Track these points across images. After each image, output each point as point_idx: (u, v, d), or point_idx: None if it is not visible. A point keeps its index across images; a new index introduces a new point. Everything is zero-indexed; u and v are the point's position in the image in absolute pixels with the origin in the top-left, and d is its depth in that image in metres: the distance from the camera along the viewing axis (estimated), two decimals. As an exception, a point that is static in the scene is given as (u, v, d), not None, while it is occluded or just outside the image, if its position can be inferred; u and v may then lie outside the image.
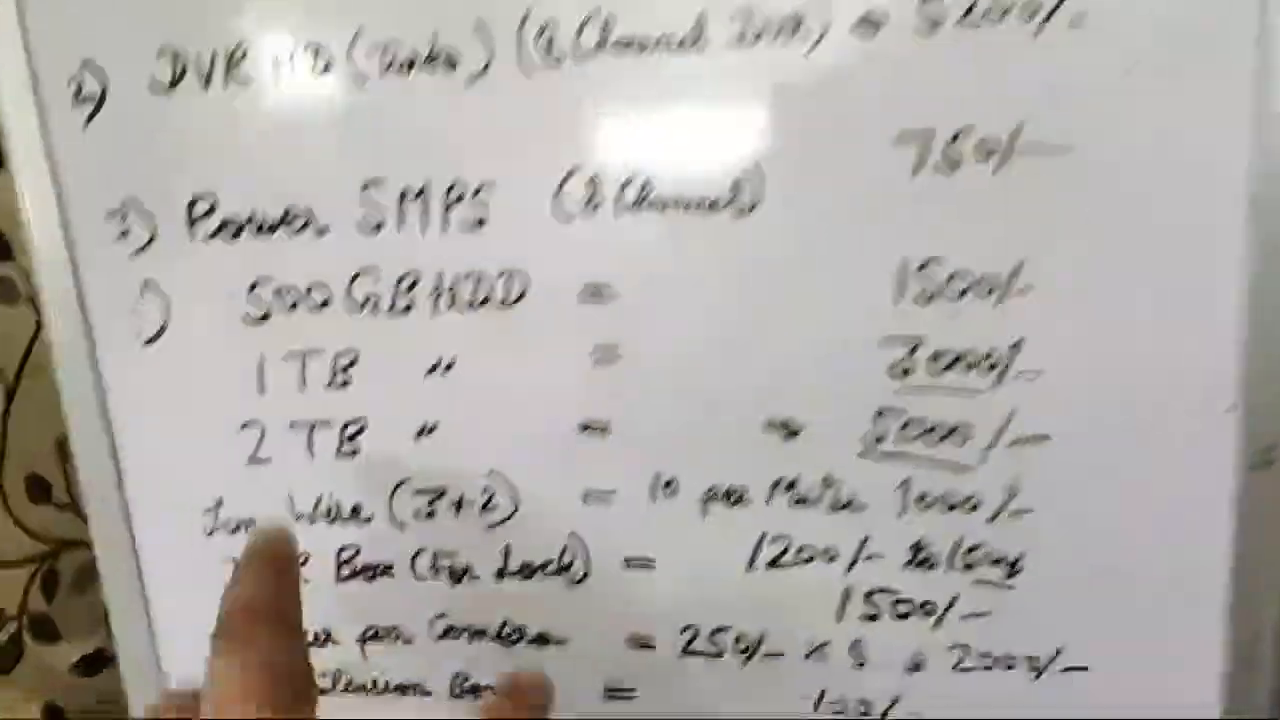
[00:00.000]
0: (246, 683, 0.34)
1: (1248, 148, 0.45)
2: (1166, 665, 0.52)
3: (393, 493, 0.56)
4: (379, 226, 0.51)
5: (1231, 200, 0.45)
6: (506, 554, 0.56)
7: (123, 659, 0.62)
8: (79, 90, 0.51)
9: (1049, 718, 0.53)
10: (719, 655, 0.56)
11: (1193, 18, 0.44)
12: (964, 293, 0.48)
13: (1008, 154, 0.46)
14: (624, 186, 0.49)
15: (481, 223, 0.51)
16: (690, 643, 0.56)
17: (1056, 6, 0.44)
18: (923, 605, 0.53)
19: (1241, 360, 0.47)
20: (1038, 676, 0.53)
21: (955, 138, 0.46)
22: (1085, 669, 0.53)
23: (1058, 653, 0.53)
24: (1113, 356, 0.48)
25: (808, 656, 0.55)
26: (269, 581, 0.39)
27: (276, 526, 0.42)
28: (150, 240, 0.53)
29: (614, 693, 0.57)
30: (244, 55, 0.50)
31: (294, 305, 0.53)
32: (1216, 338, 0.47)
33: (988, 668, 0.54)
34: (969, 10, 0.45)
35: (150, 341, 0.55)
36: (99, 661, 0.82)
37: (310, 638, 0.59)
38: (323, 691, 0.60)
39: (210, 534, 0.57)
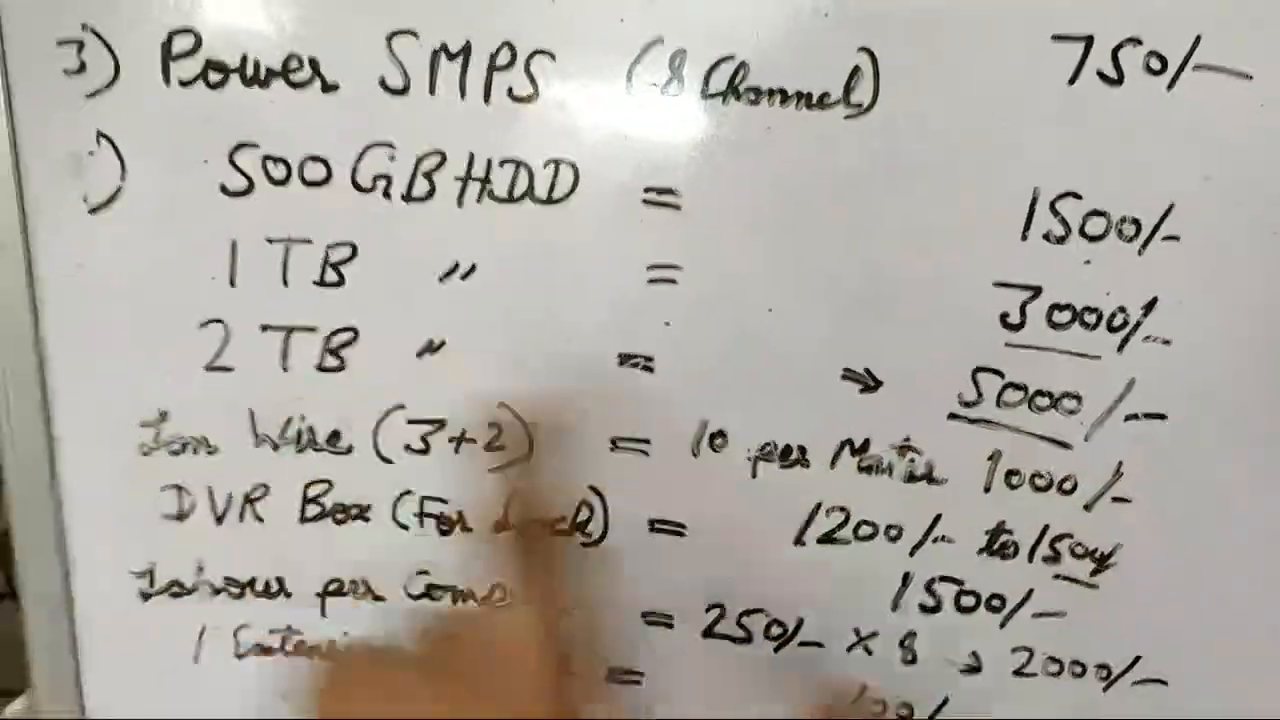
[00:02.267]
0: None
1: None
2: (1253, 689, 0.41)
3: (380, 421, 0.42)
4: (404, 89, 0.37)
5: None
6: (509, 505, 0.42)
7: (27, 602, 0.46)
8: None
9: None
10: (747, 640, 0.43)
11: None
12: (1100, 236, 0.37)
13: (1180, 70, 0.35)
14: (714, 67, 0.36)
15: (532, 97, 0.37)
16: (715, 624, 0.43)
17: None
18: (991, 600, 0.42)
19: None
20: (1108, 688, 0.42)
21: (1119, 47, 0.35)
22: (1164, 683, 0.42)
23: (1135, 662, 0.42)
24: (1257, 331, 0.37)
25: (851, 649, 0.43)
26: None
27: None
28: (111, 81, 0.38)
29: (618, 675, 0.44)
30: None
31: (284, 179, 0.39)
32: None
33: (1054, 674, 0.42)
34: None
35: (98, 209, 0.39)
36: None
37: (261, 588, 0.44)
38: (265, 651, 0.45)
39: (147, 453, 0.43)
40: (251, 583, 0.44)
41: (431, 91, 0.37)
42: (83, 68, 0.38)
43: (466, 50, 0.37)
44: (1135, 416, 0.39)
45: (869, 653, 0.43)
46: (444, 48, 0.37)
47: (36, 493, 0.43)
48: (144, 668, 0.46)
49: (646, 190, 0.38)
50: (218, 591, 0.45)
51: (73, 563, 0.44)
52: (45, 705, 0.47)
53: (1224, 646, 0.41)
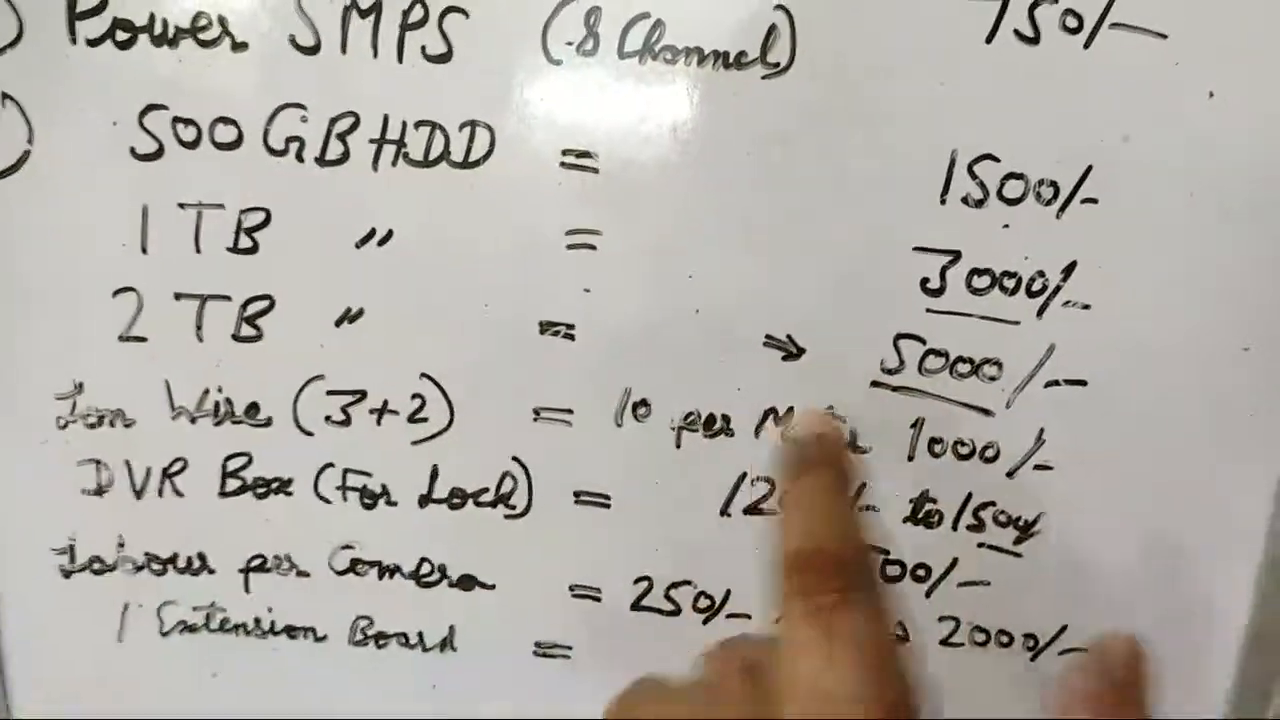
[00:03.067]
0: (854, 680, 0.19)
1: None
2: (1180, 657, 0.39)
3: (299, 392, 0.39)
4: (315, 48, 0.35)
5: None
6: (433, 477, 0.40)
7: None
8: None
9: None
10: (675, 613, 0.41)
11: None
12: (1018, 199, 0.35)
13: (1096, 29, 0.33)
14: (630, 26, 0.34)
15: (447, 56, 0.35)
16: (643, 597, 0.41)
17: None
18: (916, 569, 0.40)
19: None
20: (1035, 657, 0.40)
21: (1035, 4, 0.33)
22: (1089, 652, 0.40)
23: (1061, 631, 0.40)
24: (1179, 290, 0.35)
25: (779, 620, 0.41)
26: (843, 514, 0.23)
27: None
28: (16, 39, 0.35)
29: (544, 649, 0.42)
30: None
31: (195, 141, 0.36)
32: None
33: (981, 643, 0.40)
34: None
35: (5, 173, 0.37)
36: None
37: (183, 564, 0.42)
38: (191, 629, 0.43)
39: (64, 426, 0.40)
40: (174, 559, 0.42)
41: (344, 50, 0.35)
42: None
43: (378, 7, 0.34)
44: (1056, 383, 0.37)
45: (797, 624, 0.41)
46: (355, 4, 0.34)
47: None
48: (68, 648, 0.43)
49: (564, 153, 0.35)
50: (139, 568, 0.42)
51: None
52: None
53: (1149, 613, 0.39)
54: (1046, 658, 0.40)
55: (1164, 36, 0.33)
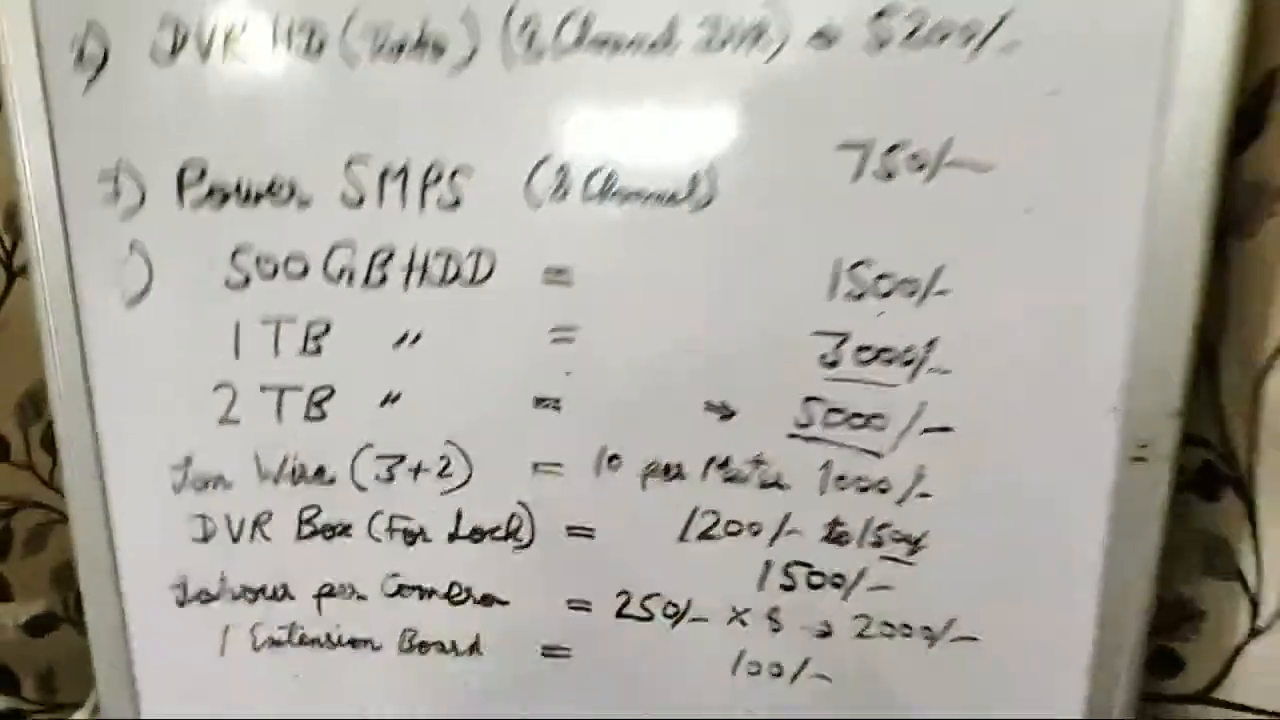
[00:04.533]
0: None
1: (1145, 181, 0.39)
2: (1047, 639, 0.45)
3: (355, 457, 0.47)
4: (360, 202, 0.43)
5: (1128, 226, 0.40)
6: (458, 519, 0.47)
7: (89, 613, 0.50)
8: (81, 53, 0.42)
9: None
10: (649, 619, 0.48)
11: (1108, 48, 0.38)
12: (889, 293, 0.42)
13: (937, 167, 0.40)
14: (590, 177, 0.42)
15: (456, 204, 0.42)
16: (624, 606, 0.48)
17: (992, 32, 0.38)
18: (834, 578, 0.46)
19: (1125, 369, 0.41)
20: (932, 645, 0.46)
21: (892, 149, 0.40)
22: (975, 639, 0.46)
23: (950, 624, 0.46)
24: (1014, 359, 0.42)
25: (730, 621, 0.47)
26: None
27: None
28: (140, 203, 0.44)
29: (551, 651, 0.49)
30: (244, 29, 0.41)
31: (273, 273, 0.44)
32: (1105, 349, 0.41)
33: (888, 635, 0.46)
34: (913, 32, 0.38)
35: (134, 303, 0.45)
36: (48, 623, 0.69)
37: (270, 593, 0.49)
38: (277, 644, 0.50)
39: (178, 491, 0.47)
40: (263, 589, 0.49)
41: (380, 203, 0.43)
42: (117, 195, 0.44)
43: (405, 170, 0.42)
44: (929, 430, 0.43)
45: (744, 624, 0.47)
46: (388, 169, 0.42)
47: (94, 530, 0.48)
48: (182, 662, 0.51)
49: (545, 271, 0.43)
50: (236, 597, 0.49)
51: (122, 580, 0.49)
52: (108, 709, 0.51)
53: (1018, 606, 0.45)
54: (940, 646, 0.46)
55: (988, 169, 0.40)
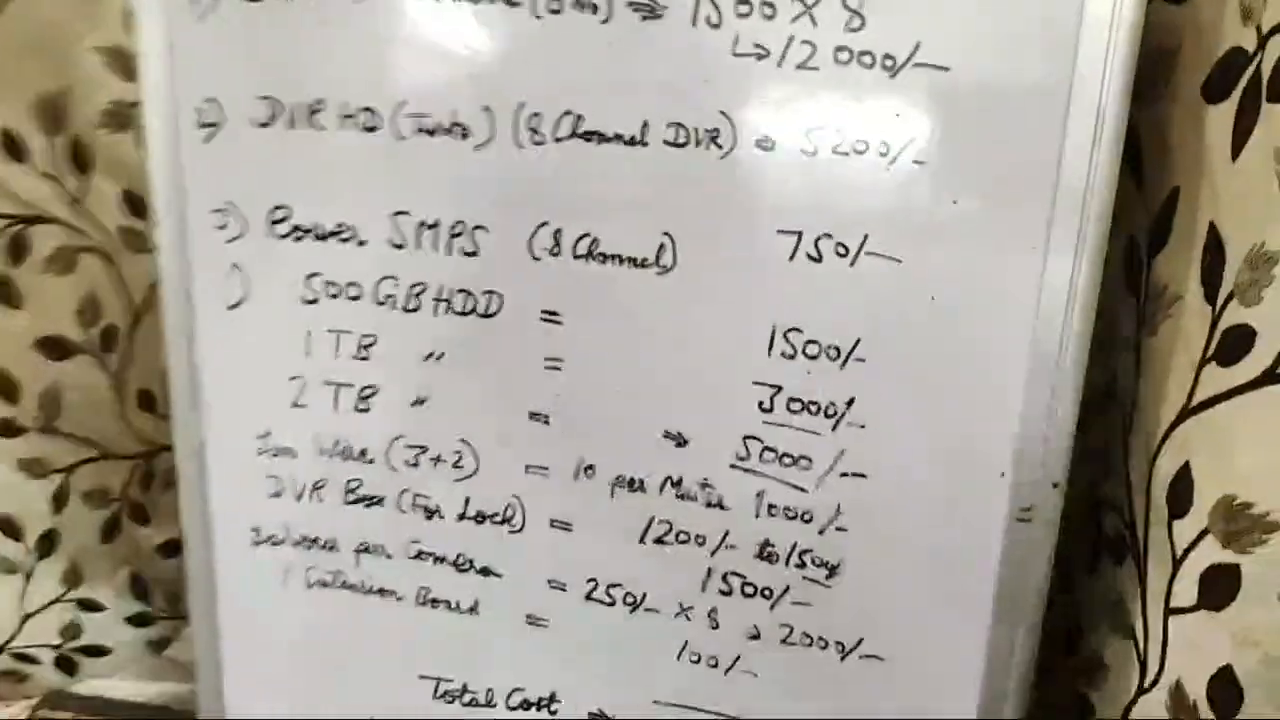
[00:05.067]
0: None
1: (1038, 275, 0.45)
2: (943, 668, 0.52)
3: (390, 444, 0.58)
4: (401, 246, 0.54)
5: (1019, 314, 0.46)
6: (466, 503, 0.58)
7: (186, 547, 0.64)
8: (201, 117, 0.54)
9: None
10: (612, 604, 0.57)
11: (1006, 166, 0.45)
12: (816, 356, 0.49)
13: (857, 255, 0.47)
14: (579, 240, 0.51)
15: (475, 253, 0.53)
16: (592, 591, 0.57)
17: (905, 147, 0.45)
18: (763, 590, 0.54)
19: (1015, 440, 0.47)
20: (843, 659, 0.54)
21: (819, 238, 0.48)
22: (880, 659, 0.53)
23: (859, 643, 0.53)
24: (919, 422, 0.49)
25: (676, 615, 0.56)
26: None
27: None
28: (241, 234, 0.56)
29: (532, 620, 0.59)
30: (321, 108, 0.52)
31: (336, 295, 0.56)
32: (999, 420, 0.48)
33: (807, 645, 0.54)
34: (839, 144, 0.46)
35: (233, 307, 0.57)
36: (177, 547, 0.85)
37: (320, 544, 0.61)
38: (324, 585, 0.62)
39: (259, 454, 0.60)
40: (315, 540, 0.61)
41: (418, 247, 0.54)
42: (224, 226, 0.56)
43: (437, 225, 0.53)
44: (846, 474, 0.50)
45: (688, 619, 0.56)
46: (423, 222, 0.53)
47: (194, 481, 0.62)
48: (250, 592, 0.63)
49: (542, 312, 0.53)
50: (295, 544, 0.61)
51: (212, 522, 0.62)
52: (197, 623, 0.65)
53: (920, 631, 0.52)
54: (849, 660, 0.53)
55: (899, 261, 0.47)
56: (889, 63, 0.44)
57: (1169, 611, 0.47)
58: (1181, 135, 0.46)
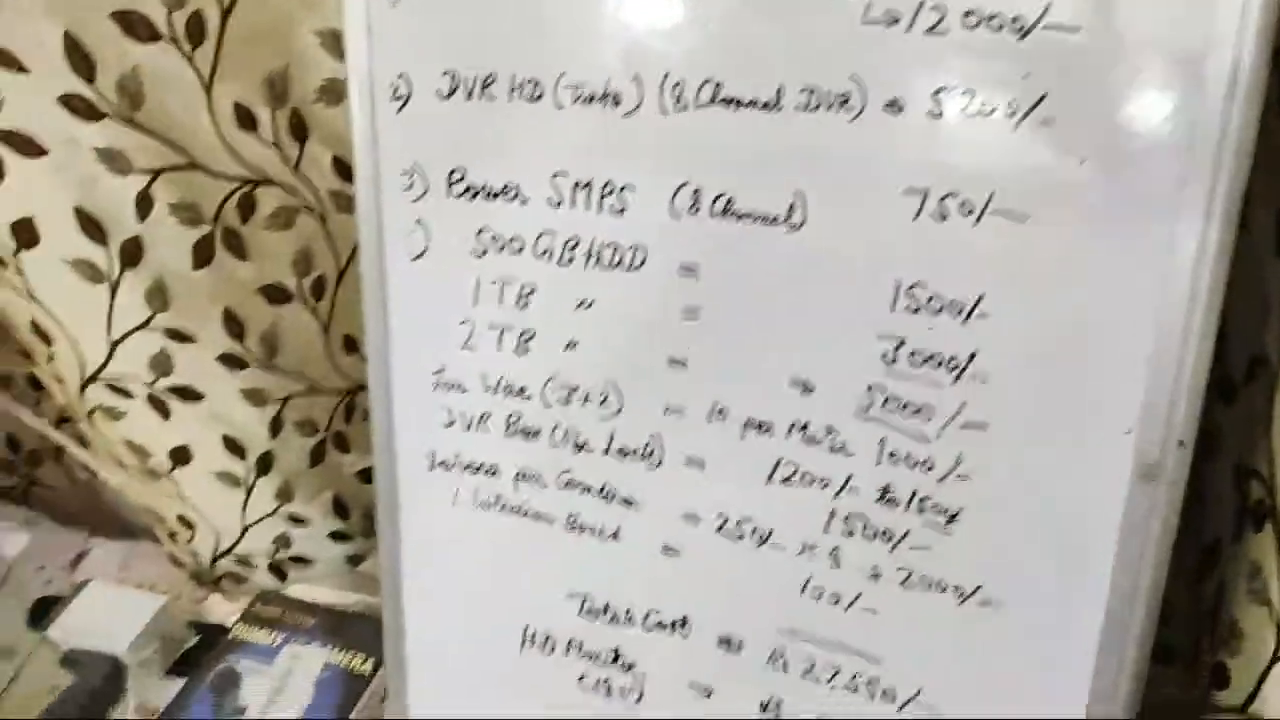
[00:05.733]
0: None
1: (1167, 235, 0.45)
2: (1058, 621, 0.53)
3: (545, 384, 0.64)
4: (559, 204, 0.59)
5: (1147, 274, 0.46)
6: (611, 438, 0.63)
7: (376, 468, 0.73)
8: (395, 91, 0.62)
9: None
10: (741, 539, 0.61)
11: (1137, 125, 0.45)
12: (939, 311, 0.51)
13: (982, 214, 0.49)
14: (716, 199, 0.55)
15: (623, 211, 0.58)
16: (722, 525, 0.62)
17: (1034, 107, 0.46)
18: (884, 532, 0.57)
19: (1141, 397, 0.48)
20: (961, 603, 0.56)
21: (945, 197, 0.49)
22: (995, 606, 0.55)
23: (976, 589, 0.55)
24: (1043, 377, 0.50)
25: (800, 553, 0.60)
26: None
27: None
28: (424, 193, 0.63)
29: (667, 549, 0.64)
30: (493, 80, 0.59)
31: (501, 248, 0.62)
32: (1124, 375, 0.48)
33: (926, 588, 0.56)
34: (966, 106, 0.48)
35: (416, 259, 0.65)
36: (370, 474, 0.96)
37: (485, 470, 0.69)
38: (488, 505, 0.69)
39: (435, 389, 0.68)
40: (481, 465, 0.68)
41: (573, 206, 0.59)
42: (410, 187, 0.64)
43: (590, 185, 0.58)
44: (967, 425, 0.52)
45: (812, 557, 0.59)
46: (578, 183, 0.58)
47: (383, 411, 0.71)
48: (428, 505, 0.72)
49: (681, 266, 0.57)
50: (465, 469, 0.69)
51: (396, 446, 0.71)
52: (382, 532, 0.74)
53: (1038, 583, 0.53)
54: (967, 606, 0.55)
55: (1025, 219, 0.48)
56: (1018, 25, 0.45)
57: (1303, 578, 0.47)
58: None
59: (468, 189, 0.62)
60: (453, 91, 0.60)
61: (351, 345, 0.91)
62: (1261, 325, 0.52)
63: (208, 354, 0.84)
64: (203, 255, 0.80)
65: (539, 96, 0.58)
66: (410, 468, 0.71)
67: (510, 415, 0.66)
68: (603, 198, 0.58)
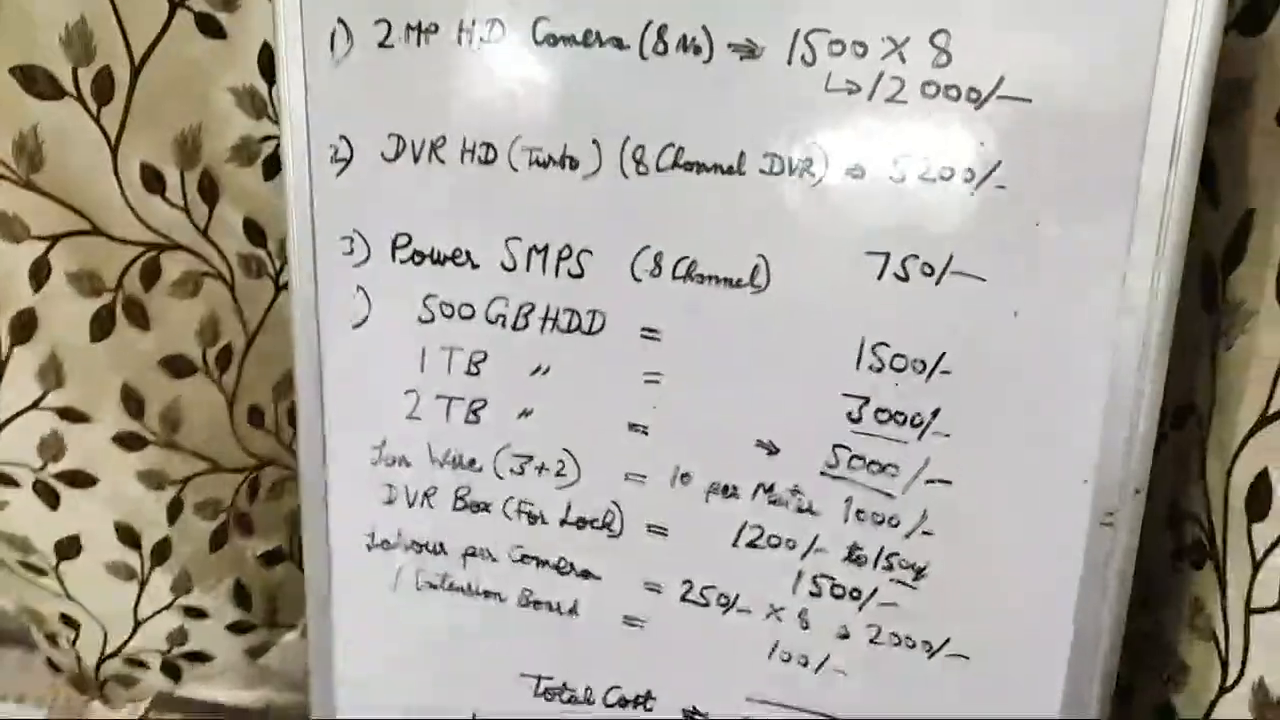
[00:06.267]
0: None
1: (1117, 291, 0.49)
2: (1027, 669, 0.55)
3: (497, 454, 0.63)
4: (513, 268, 0.59)
5: (1100, 328, 0.49)
6: (568, 509, 0.62)
7: (306, 549, 0.69)
8: (335, 153, 0.61)
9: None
10: (706, 605, 0.61)
11: (1087, 189, 0.48)
12: (903, 369, 0.53)
13: (942, 274, 0.51)
14: (678, 262, 0.56)
15: (581, 275, 0.58)
16: (687, 593, 0.61)
17: (990, 172, 0.49)
18: (852, 591, 0.58)
19: (1097, 447, 0.51)
20: (930, 658, 0.57)
21: (906, 258, 0.52)
22: (966, 658, 0.56)
23: (945, 642, 0.56)
24: (1004, 431, 0.53)
25: (768, 616, 0.60)
26: None
27: None
28: (366, 259, 0.62)
29: (629, 620, 0.63)
30: (443, 143, 0.58)
31: (450, 315, 0.61)
32: (1081, 429, 0.51)
33: (895, 644, 0.57)
34: (926, 171, 0.50)
35: (356, 326, 0.63)
36: (277, 557, 0.91)
37: (431, 548, 0.66)
38: (433, 587, 0.67)
39: (374, 464, 0.65)
40: (426, 544, 0.66)
41: (528, 270, 0.59)
42: (351, 252, 0.62)
43: (546, 249, 0.58)
44: (932, 481, 0.54)
45: (779, 620, 0.59)
46: (534, 247, 0.58)
47: (315, 487, 0.67)
48: (362, 593, 0.69)
49: (642, 329, 0.57)
50: (407, 548, 0.67)
51: (330, 526, 0.68)
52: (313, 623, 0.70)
53: (1005, 632, 0.55)
54: (936, 659, 0.56)
55: (983, 279, 0.51)
56: (974, 95, 0.49)
57: (1250, 612, 0.50)
58: (1258, 160, 0.49)
59: (414, 254, 0.61)
60: (399, 154, 0.59)
61: (257, 418, 0.87)
62: (1190, 375, 0.56)
63: (103, 434, 0.78)
64: (102, 327, 0.75)
65: (493, 160, 0.57)
66: (345, 549, 0.68)
67: (459, 488, 0.64)
68: (560, 261, 0.58)
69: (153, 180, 0.73)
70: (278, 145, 0.75)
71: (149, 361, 0.78)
